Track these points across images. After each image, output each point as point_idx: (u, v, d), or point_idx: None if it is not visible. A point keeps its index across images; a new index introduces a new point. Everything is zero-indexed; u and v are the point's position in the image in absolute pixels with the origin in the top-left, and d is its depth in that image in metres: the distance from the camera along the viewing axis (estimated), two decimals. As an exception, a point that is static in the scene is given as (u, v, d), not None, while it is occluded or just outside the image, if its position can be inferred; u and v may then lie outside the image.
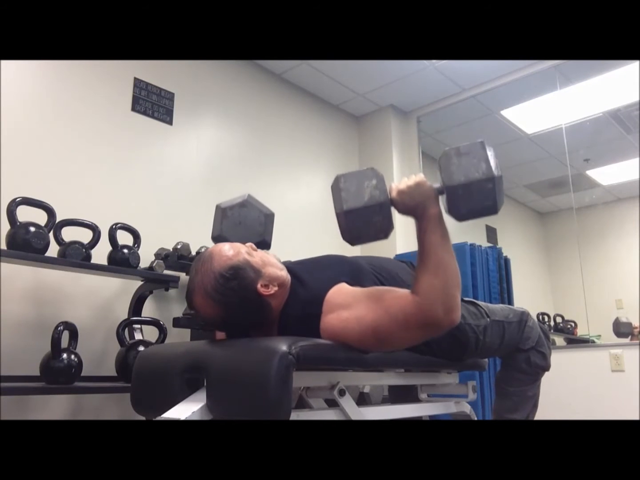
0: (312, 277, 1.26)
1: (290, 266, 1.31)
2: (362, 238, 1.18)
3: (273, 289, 1.19)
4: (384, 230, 1.17)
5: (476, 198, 1.13)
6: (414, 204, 1.16)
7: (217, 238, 1.37)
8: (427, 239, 1.14)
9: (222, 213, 1.37)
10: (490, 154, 1.14)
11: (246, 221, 1.36)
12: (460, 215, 1.17)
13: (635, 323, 3.47)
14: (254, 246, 1.26)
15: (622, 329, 3.49)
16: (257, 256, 1.23)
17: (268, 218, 1.40)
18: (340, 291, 1.19)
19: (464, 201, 1.14)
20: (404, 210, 1.18)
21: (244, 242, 1.27)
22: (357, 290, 1.20)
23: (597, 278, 3.82)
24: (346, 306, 1.15)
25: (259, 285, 1.17)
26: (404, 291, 1.15)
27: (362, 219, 1.14)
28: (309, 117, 3.56)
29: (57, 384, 1.73)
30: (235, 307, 1.16)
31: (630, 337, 3.42)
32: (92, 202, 2.32)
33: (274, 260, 1.26)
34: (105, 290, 2.29)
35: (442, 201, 1.18)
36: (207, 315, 1.19)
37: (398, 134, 3.76)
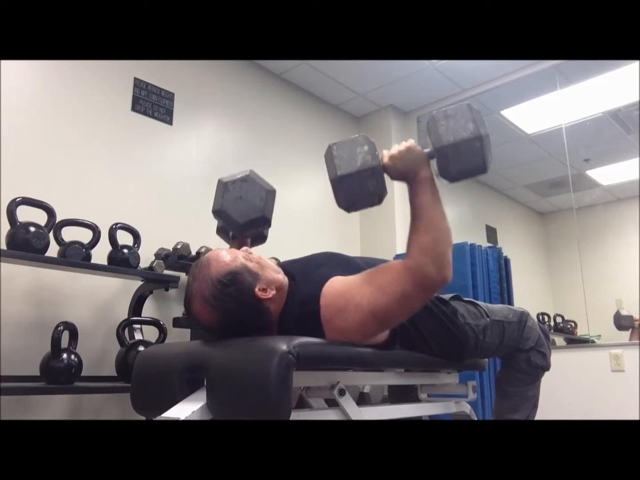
0: (307, 276, 1.26)
1: (285, 267, 1.31)
2: (357, 204, 1.20)
3: (271, 293, 1.19)
4: (378, 194, 1.19)
5: (465, 158, 1.16)
6: (405, 169, 1.19)
7: (217, 212, 1.36)
8: (418, 200, 1.17)
9: (224, 187, 1.37)
10: (476, 114, 1.16)
11: (247, 196, 1.35)
12: (451, 176, 1.19)
13: (636, 316, 3.47)
14: (250, 250, 1.26)
15: (623, 322, 3.49)
16: (254, 260, 1.23)
17: (269, 194, 1.39)
18: (334, 284, 1.19)
19: (453, 162, 1.17)
20: (395, 175, 1.21)
21: (245, 217, 1.29)
22: (348, 278, 1.20)
23: (597, 278, 3.83)
24: (342, 297, 1.16)
25: (257, 290, 1.17)
26: (394, 262, 1.17)
27: (356, 184, 1.17)
28: (309, 117, 3.56)
29: (57, 384, 1.73)
30: (233, 312, 1.16)
31: (630, 329, 3.42)
32: (92, 202, 2.32)
33: (271, 264, 1.26)
34: (105, 290, 2.29)
35: (433, 166, 1.20)
36: (205, 322, 1.19)
37: (398, 134, 3.76)
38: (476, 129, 1.15)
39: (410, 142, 1.21)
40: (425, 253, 1.11)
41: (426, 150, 1.20)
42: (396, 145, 1.21)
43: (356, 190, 1.17)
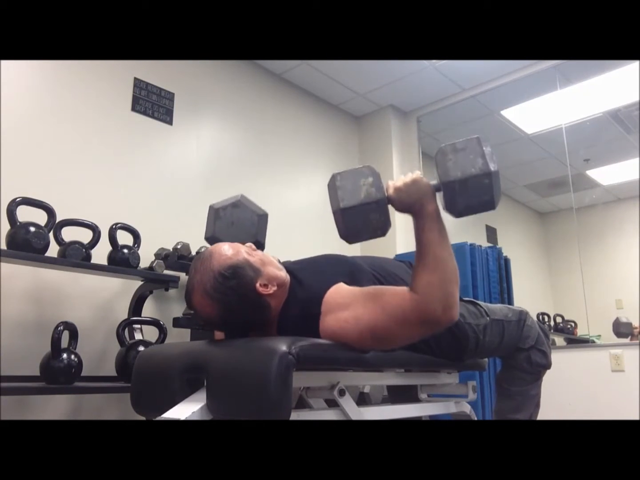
0: (310, 277, 1.26)
1: (288, 266, 1.31)
2: (360, 236, 1.18)
3: (272, 289, 1.19)
4: (381, 227, 1.17)
5: (473, 193, 1.13)
6: (411, 201, 1.16)
7: (210, 239, 1.36)
8: (425, 236, 1.14)
9: (215, 214, 1.37)
10: (486, 149, 1.14)
11: (239, 222, 1.36)
12: (458, 211, 1.16)
13: (635, 323, 3.46)
14: (253, 246, 1.27)
15: (622, 329, 3.48)
16: (257, 256, 1.23)
17: (261, 218, 1.39)
18: (339, 291, 1.19)
19: (460, 197, 1.14)
20: (401, 208, 1.18)
21: (237, 242, 1.27)
22: (355, 289, 1.19)
23: (597, 278, 3.82)
24: (344, 306, 1.15)
25: (258, 285, 1.17)
26: (402, 289, 1.15)
27: (358, 217, 1.14)
28: (309, 117, 3.56)
29: (57, 384, 1.73)
30: (234, 306, 1.16)
31: (630, 337, 3.42)
32: (92, 202, 2.32)
33: (274, 261, 1.26)
34: (105, 290, 2.29)
35: (439, 198, 1.18)
36: (206, 315, 1.19)
37: (398, 134, 3.76)
38: (485, 165, 1.11)
39: (417, 174, 1.18)
40: (432, 292, 1.09)
41: (432, 183, 1.17)
42: (401, 176, 1.19)
43: (359, 222, 1.14)
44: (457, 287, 1.12)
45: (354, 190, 1.14)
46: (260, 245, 1.38)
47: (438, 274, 1.10)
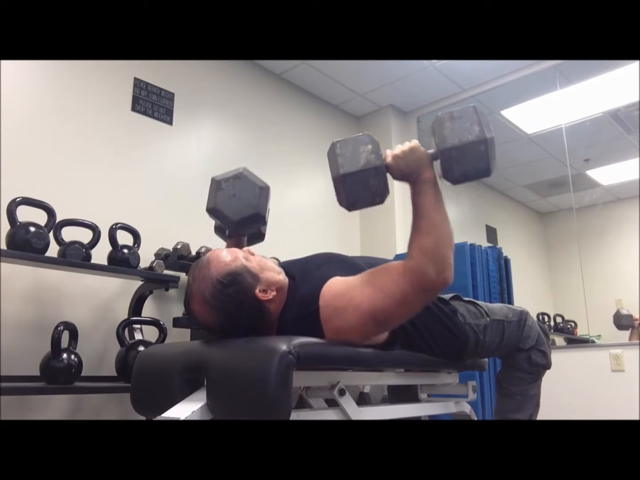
0: (307, 277, 1.26)
1: (285, 267, 1.30)
2: (359, 203, 1.19)
3: (271, 294, 1.19)
4: (380, 194, 1.18)
5: (469, 160, 1.15)
6: (409, 169, 1.18)
7: (211, 210, 1.35)
8: (421, 201, 1.16)
9: (217, 185, 1.36)
10: (482, 118, 1.15)
11: (240, 194, 1.35)
12: (455, 178, 1.18)
13: (635, 315, 3.47)
14: (251, 250, 1.26)
15: (622, 321, 3.49)
16: (255, 261, 1.22)
17: (263, 191, 1.38)
18: (334, 284, 1.19)
19: (457, 164, 1.15)
20: (398, 176, 1.20)
21: (239, 215, 1.28)
22: (348, 279, 1.20)
23: (597, 278, 3.82)
24: (341, 296, 1.16)
25: (257, 291, 1.17)
26: (394, 263, 1.16)
27: (358, 183, 1.15)
28: (309, 117, 3.56)
29: (57, 384, 1.73)
30: (233, 313, 1.16)
31: (630, 329, 3.42)
32: (92, 202, 2.32)
33: (272, 264, 1.25)
34: (105, 290, 2.29)
35: (437, 167, 1.19)
36: (205, 322, 1.19)
37: (398, 134, 3.76)
38: (481, 132, 1.13)
39: (414, 142, 1.20)
40: (426, 255, 1.11)
41: (430, 152, 1.19)
42: (399, 145, 1.20)
43: (358, 189, 1.16)
44: (451, 250, 1.14)
45: (353, 157, 1.16)
46: (260, 218, 1.37)
47: (432, 237, 1.12)
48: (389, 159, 1.18)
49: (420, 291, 1.12)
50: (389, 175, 1.19)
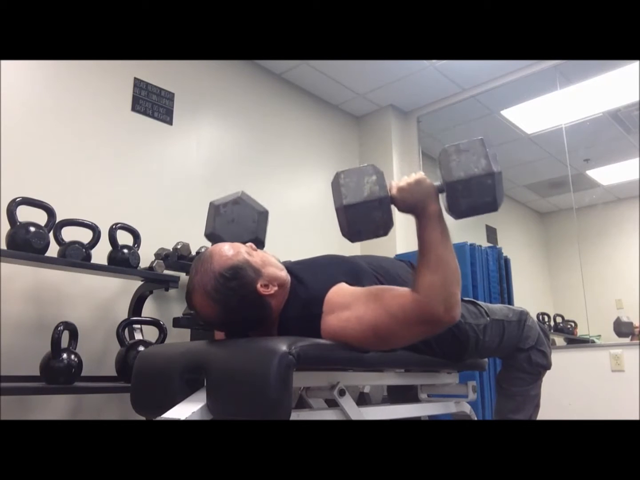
0: (311, 277, 1.26)
1: (289, 266, 1.30)
2: (362, 234, 1.18)
3: (273, 289, 1.19)
4: (384, 226, 1.17)
5: (476, 194, 1.13)
6: (414, 202, 1.16)
7: (210, 236, 1.36)
8: (427, 236, 1.14)
9: (215, 210, 1.36)
10: (489, 151, 1.14)
11: (239, 219, 1.35)
12: (460, 212, 1.17)
13: (636, 323, 3.47)
14: (254, 246, 1.26)
15: (623, 329, 3.48)
16: (257, 256, 1.23)
17: (262, 216, 1.39)
18: (340, 291, 1.19)
19: (463, 197, 1.14)
20: (403, 208, 1.18)
21: (238, 240, 1.27)
22: (356, 289, 1.19)
23: (597, 278, 3.82)
24: (346, 306, 1.15)
25: (258, 285, 1.17)
26: (404, 289, 1.15)
27: (361, 215, 1.14)
28: (309, 117, 3.56)
29: (57, 384, 1.73)
30: (234, 307, 1.16)
31: (630, 337, 3.42)
32: (92, 202, 2.32)
33: (274, 260, 1.26)
34: (105, 290, 2.29)
35: (442, 200, 1.18)
36: (206, 315, 1.19)
37: (398, 134, 3.76)
38: (488, 166, 1.12)
39: (420, 174, 1.18)
40: (434, 292, 1.09)
41: (436, 184, 1.18)
42: (405, 176, 1.19)
43: (361, 220, 1.15)
44: (459, 287, 1.12)
45: (357, 188, 1.15)
46: (260, 243, 1.38)
47: (440, 274, 1.10)
48: (393, 191, 1.17)
49: (424, 324, 1.11)
50: (393, 207, 1.18)
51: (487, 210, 1.16)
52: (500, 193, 1.15)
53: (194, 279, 1.18)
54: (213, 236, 1.35)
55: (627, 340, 3.44)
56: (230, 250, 1.19)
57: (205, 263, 1.17)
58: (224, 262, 1.16)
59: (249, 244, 1.27)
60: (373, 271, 1.33)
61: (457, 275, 1.13)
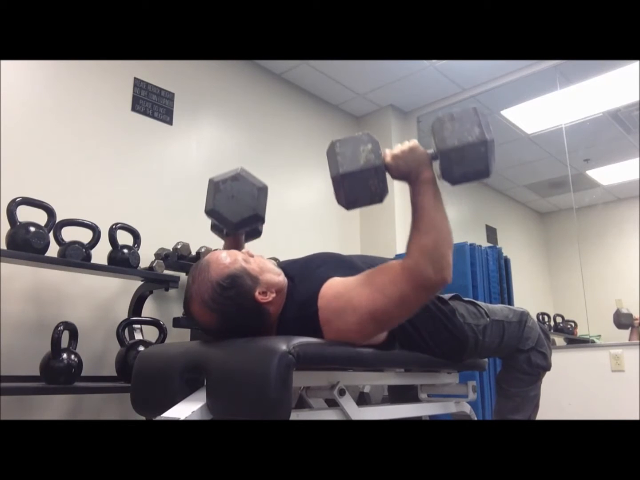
0: (305, 277, 1.26)
1: (285, 267, 1.30)
2: (358, 202, 1.19)
3: (271, 296, 1.19)
4: (379, 193, 1.18)
5: (469, 162, 1.15)
6: (408, 169, 1.18)
7: (210, 212, 1.35)
8: (420, 201, 1.16)
9: (215, 187, 1.36)
10: (482, 119, 1.15)
11: (239, 195, 1.35)
12: (454, 179, 1.18)
13: (635, 315, 3.48)
14: (250, 252, 1.26)
15: (622, 320, 3.50)
16: (254, 263, 1.22)
17: (261, 191, 1.38)
18: (332, 285, 1.19)
19: (457, 165, 1.15)
20: (397, 175, 1.20)
21: (238, 216, 1.28)
22: (347, 279, 1.20)
23: (597, 278, 3.82)
24: (340, 297, 1.16)
25: (256, 293, 1.17)
26: (392, 263, 1.16)
27: (357, 182, 1.16)
28: (309, 117, 3.56)
29: (57, 384, 1.73)
30: (233, 315, 1.16)
31: (630, 328, 3.43)
32: (92, 202, 2.32)
33: (271, 266, 1.25)
34: (105, 290, 2.29)
35: (436, 167, 1.19)
36: (204, 324, 1.19)
37: (398, 134, 3.76)
38: (482, 134, 1.13)
39: (414, 142, 1.20)
40: (425, 254, 1.11)
41: (429, 151, 1.19)
42: (399, 144, 1.20)
43: (358, 188, 1.16)
44: (450, 249, 1.14)
45: (353, 156, 1.16)
46: (260, 219, 1.37)
47: (431, 236, 1.12)
48: (388, 159, 1.18)
49: (418, 290, 1.12)
50: (388, 175, 1.19)
51: (480, 177, 1.18)
52: (493, 160, 1.16)
53: (192, 288, 1.17)
54: (213, 212, 1.34)
55: (626, 336, 3.45)
56: (227, 259, 1.19)
57: (202, 272, 1.17)
58: (221, 271, 1.16)
59: (246, 250, 1.27)
60: (367, 268, 1.33)
61: (448, 237, 1.14)
